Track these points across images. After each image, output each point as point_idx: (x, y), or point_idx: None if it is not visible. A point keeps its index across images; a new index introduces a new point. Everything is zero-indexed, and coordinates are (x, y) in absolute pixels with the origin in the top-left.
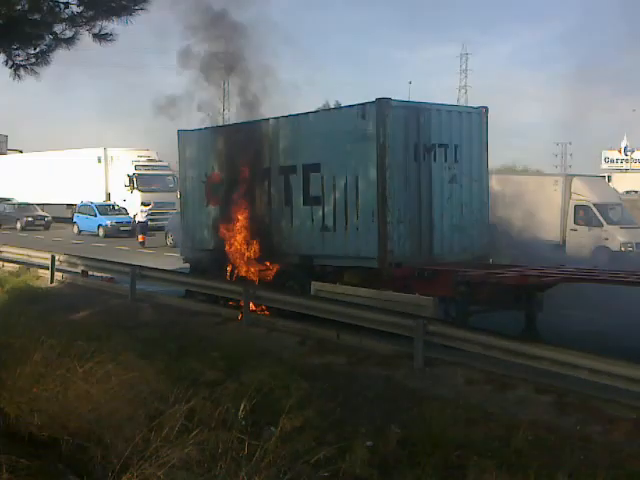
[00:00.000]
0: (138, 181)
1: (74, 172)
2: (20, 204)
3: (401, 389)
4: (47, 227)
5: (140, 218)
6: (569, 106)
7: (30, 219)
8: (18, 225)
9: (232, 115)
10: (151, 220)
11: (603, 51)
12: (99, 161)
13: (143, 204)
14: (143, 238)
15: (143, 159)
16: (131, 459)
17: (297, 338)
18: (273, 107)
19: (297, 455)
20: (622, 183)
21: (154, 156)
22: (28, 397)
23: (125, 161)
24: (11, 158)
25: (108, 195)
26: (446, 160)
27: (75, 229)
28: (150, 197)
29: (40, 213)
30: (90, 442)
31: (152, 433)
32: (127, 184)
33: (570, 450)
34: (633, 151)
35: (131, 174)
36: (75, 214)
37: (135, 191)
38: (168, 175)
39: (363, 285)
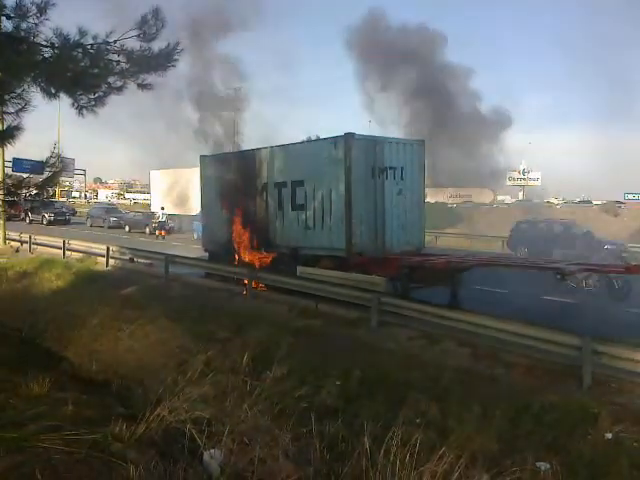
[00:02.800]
0: None
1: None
2: (161, 214)
3: (361, 343)
4: (169, 232)
5: (161, 219)
6: None
7: (154, 225)
8: (147, 230)
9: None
10: None
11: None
12: None
13: (162, 208)
14: (162, 233)
15: None
16: (163, 395)
17: (286, 307)
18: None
19: (285, 392)
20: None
21: None
22: (88, 350)
23: None
24: (161, 174)
25: None
26: (395, 178)
27: (194, 235)
28: None
29: (163, 220)
30: (134, 383)
31: (179, 376)
32: None
33: (482, 387)
34: (529, 172)
35: None
36: (194, 222)
37: None
38: None
39: (334, 268)
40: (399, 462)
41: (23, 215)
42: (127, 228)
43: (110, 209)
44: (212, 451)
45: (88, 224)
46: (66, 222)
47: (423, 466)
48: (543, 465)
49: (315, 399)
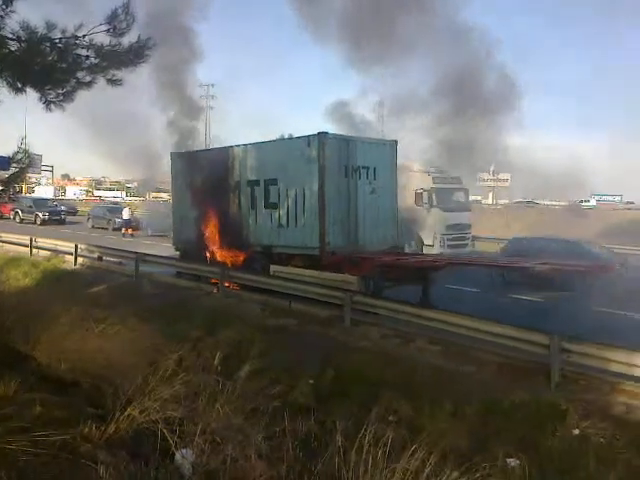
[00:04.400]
0: (436, 197)
1: None
2: None
3: (334, 342)
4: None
5: (125, 217)
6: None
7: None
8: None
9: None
10: (451, 246)
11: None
12: None
13: (129, 208)
14: (127, 231)
15: (435, 170)
16: (134, 395)
17: (259, 306)
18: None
19: (258, 391)
20: None
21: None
22: (57, 349)
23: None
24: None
25: None
26: (367, 177)
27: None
28: (450, 217)
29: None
30: (103, 383)
31: (150, 376)
32: (423, 200)
33: (453, 384)
34: (498, 173)
35: (427, 188)
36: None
37: (433, 209)
38: (460, 189)
39: (308, 267)
40: (371, 459)
41: (13, 214)
42: (149, 231)
43: (114, 208)
44: (184, 451)
45: (89, 225)
46: (61, 222)
47: (395, 464)
48: (513, 461)
49: (288, 398)
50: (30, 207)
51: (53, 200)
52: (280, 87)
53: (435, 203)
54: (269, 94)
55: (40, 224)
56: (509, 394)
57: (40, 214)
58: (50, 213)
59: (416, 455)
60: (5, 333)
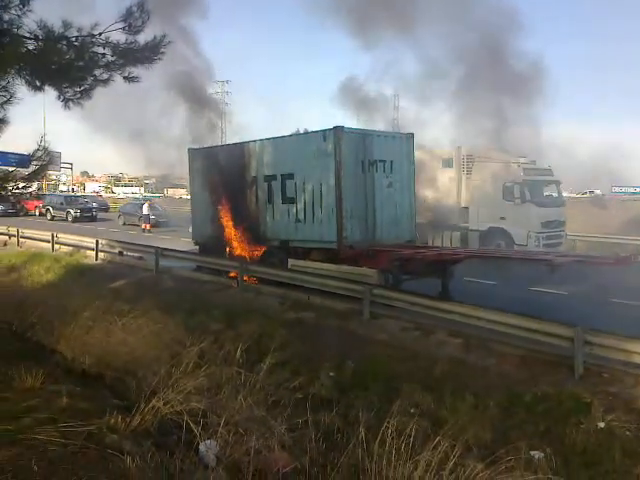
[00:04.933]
0: (529, 191)
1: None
2: None
3: (354, 335)
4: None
5: (145, 212)
6: None
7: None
8: None
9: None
10: (546, 245)
11: None
12: (448, 164)
13: (149, 202)
14: (146, 226)
15: (526, 162)
16: (158, 387)
17: (278, 300)
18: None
19: (279, 383)
20: None
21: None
22: (81, 343)
23: (486, 164)
24: None
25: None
26: (384, 171)
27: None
28: (546, 213)
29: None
30: (127, 376)
31: (173, 368)
32: (514, 195)
33: (474, 377)
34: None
35: (519, 181)
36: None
37: (526, 205)
38: (552, 182)
39: (325, 261)
40: (394, 451)
41: (44, 211)
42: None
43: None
44: (208, 442)
45: (120, 222)
46: (92, 219)
47: (418, 455)
48: (537, 454)
49: (309, 390)
50: (61, 204)
51: (84, 197)
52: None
53: (529, 198)
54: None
55: (72, 221)
56: (531, 387)
57: (72, 211)
58: (81, 210)
59: (439, 447)
60: (30, 327)
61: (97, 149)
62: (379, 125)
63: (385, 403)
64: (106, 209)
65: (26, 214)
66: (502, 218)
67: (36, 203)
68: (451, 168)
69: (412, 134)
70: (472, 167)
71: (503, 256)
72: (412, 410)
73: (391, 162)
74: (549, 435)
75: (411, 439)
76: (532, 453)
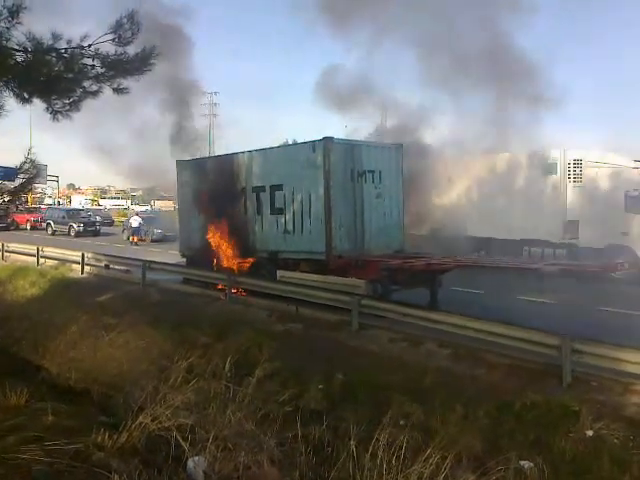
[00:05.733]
0: None
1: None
2: None
3: (343, 346)
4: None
5: (134, 225)
6: None
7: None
8: None
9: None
10: None
11: None
12: (550, 171)
13: (137, 213)
14: (134, 239)
15: None
16: (145, 403)
17: (266, 312)
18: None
19: (268, 396)
20: None
21: None
22: (67, 358)
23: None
24: None
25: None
26: (373, 182)
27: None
28: None
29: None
30: (114, 391)
31: (161, 383)
32: None
33: (464, 387)
34: None
35: None
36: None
37: None
38: None
39: (314, 272)
40: (386, 464)
41: (42, 225)
42: None
43: (151, 219)
44: (196, 458)
45: (124, 236)
46: (96, 233)
47: (410, 468)
48: (526, 464)
49: (299, 403)
50: (63, 218)
51: (87, 210)
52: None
53: None
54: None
55: (75, 236)
56: (520, 396)
57: (74, 225)
58: (85, 224)
59: (430, 459)
60: (15, 343)
61: (82, 161)
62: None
63: (375, 415)
64: (110, 223)
65: (17, 228)
66: (624, 233)
67: (27, 217)
68: (554, 175)
69: (401, 145)
70: (581, 173)
71: (492, 265)
72: (402, 422)
73: (380, 172)
74: (538, 444)
75: (402, 451)
76: (522, 463)
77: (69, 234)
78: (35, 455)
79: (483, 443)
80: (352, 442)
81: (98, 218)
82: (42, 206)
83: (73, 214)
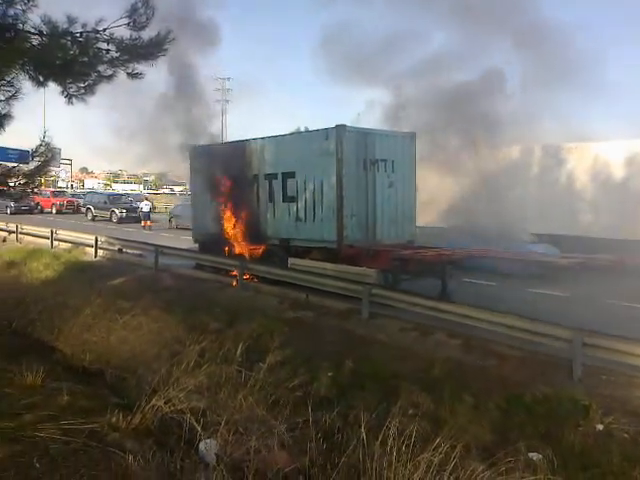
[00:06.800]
0: None
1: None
2: None
3: (352, 335)
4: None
5: (145, 209)
6: None
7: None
8: None
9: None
10: None
11: None
12: None
13: (146, 198)
14: (146, 223)
15: None
16: (158, 386)
17: (277, 299)
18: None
19: (279, 382)
20: None
21: None
22: (81, 340)
23: None
24: None
25: None
26: (386, 171)
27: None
28: None
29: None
30: (128, 373)
31: (173, 367)
32: None
33: (473, 378)
34: None
35: None
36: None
37: None
38: None
39: (325, 260)
40: (396, 452)
41: (84, 210)
42: None
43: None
44: (208, 441)
45: (173, 224)
46: (138, 219)
47: (419, 457)
48: (535, 455)
49: (309, 390)
50: (105, 203)
51: (127, 195)
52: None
53: None
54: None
55: (117, 222)
56: (530, 389)
57: (116, 211)
58: (127, 210)
59: (440, 448)
60: (30, 324)
61: (96, 144)
62: None
63: (384, 403)
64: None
65: (41, 212)
66: None
67: (53, 200)
68: None
69: (414, 133)
70: None
71: (505, 257)
72: (411, 411)
73: (392, 161)
74: (548, 437)
75: (412, 440)
76: (531, 454)
77: (110, 220)
78: (51, 434)
79: (492, 434)
80: (362, 429)
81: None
82: (66, 189)
83: (115, 199)
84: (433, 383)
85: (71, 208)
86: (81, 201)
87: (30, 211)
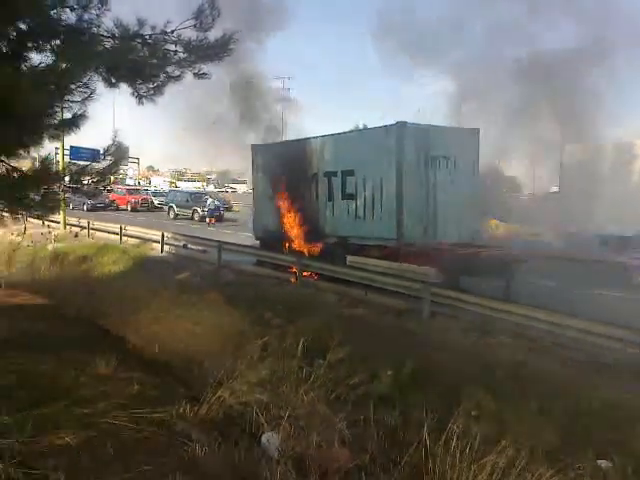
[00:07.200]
0: None
1: None
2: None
3: (412, 334)
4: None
5: (210, 207)
6: None
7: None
8: None
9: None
10: None
11: None
12: None
13: (210, 196)
14: (211, 221)
15: None
16: (223, 378)
17: (336, 296)
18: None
19: (339, 379)
20: None
21: None
22: (149, 332)
23: None
24: None
25: None
26: (447, 167)
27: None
28: None
29: (213, 207)
30: (194, 365)
31: (238, 360)
32: None
33: (538, 381)
34: None
35: None
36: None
37: None
38: None
39: (384, 258)
40: (459, 453)
41: (167, 209)
42: None
43: None
44: (270, 434)
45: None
46: (220, 219)
47: (483, 458)
48: (604, 463)
49: (368, 387)
50: (187, 201)
51: (206, 193)
52: None
53: None
54: None
55: (199, 220)
56: (599, 394)
57: (199, 210)
58: (210, 209)
59: (504, 452)
60: (101, 316)
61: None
62: None
63: (445, 404)
64: (228, 208)
65: (117, 209)
66: None
67: (128, 198)
68: None
69: (478, 129)
70: None
71: (574, 258)
72: (473, 412)
73: (454, 158)
74: (618, 444)
75: (476, 442)
76: (599, 462)
77: (192, 218)
78: (122, 421)
79: (558, 439)
80: (425, 429)
81: (220, 203)
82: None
83: (197, 198)
84: (496, 385)
85: (145, 206)
86: (155, 199)
87: (105, 208)
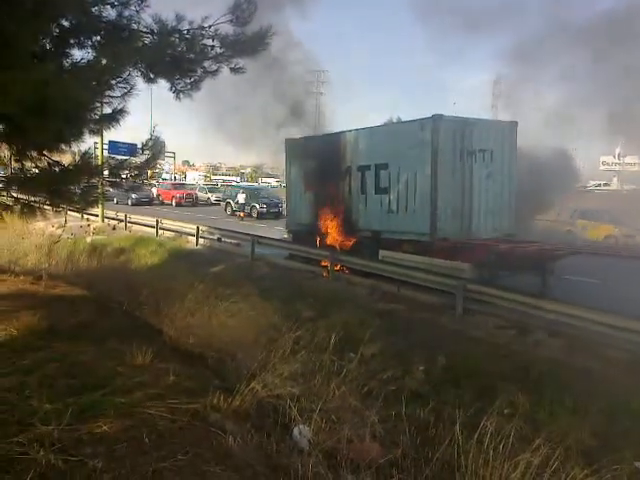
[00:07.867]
0: None
1: None
2: None
3: (445, 330)
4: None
5: (241, 201)
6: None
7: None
8: None
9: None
10: None
11: None
12: None
13: (242, 191)
14: (242, 215)
15: None
16: (256, 370)
17: (368, 290)
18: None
19: (371, 373)
20: None
21: None
22: (185, 324)
23: None
24: None
25: None
26: (484, 161)
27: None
28: None
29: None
30: (227, 357)
31: (271, 353)
32: None
33: (575, 381)
34: (625, 156)
35: None
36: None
37: None
38: None
39: (417, 253)
40: (492, 451)
41: (224, 205)
42: None
43: None
44: (302, 427)
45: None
46: (278, 215)
47: (517, 456)
48: None
49: (400, 383)
50: (247, 197)
51: (260, 189)
52: None
53: None
54: None
55: (257, 217)
56: (639, 394)
57: (257, 206)
58: (267, 205)
59: (539, 451)
60: (138, 307)
61: (196, 137)
62: None
63: (479, 401)
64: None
65: (162, 204)
66: None
67: (173, 193)
68: None
69: (516, 122)
70: None
71: (614, 254)
72: (507, 411)
73: (491, 152)
74: None
75: (510, 440)
76: (637, 464)
77: (250, 215)
78: (159, 411)
79: (594, 439)
80: (457, 426)
81: (277, 200)
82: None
83: (254, 194)
84: (531, 384)
85: (190, 201)
86: (211, 194)
87: (150, 203)
